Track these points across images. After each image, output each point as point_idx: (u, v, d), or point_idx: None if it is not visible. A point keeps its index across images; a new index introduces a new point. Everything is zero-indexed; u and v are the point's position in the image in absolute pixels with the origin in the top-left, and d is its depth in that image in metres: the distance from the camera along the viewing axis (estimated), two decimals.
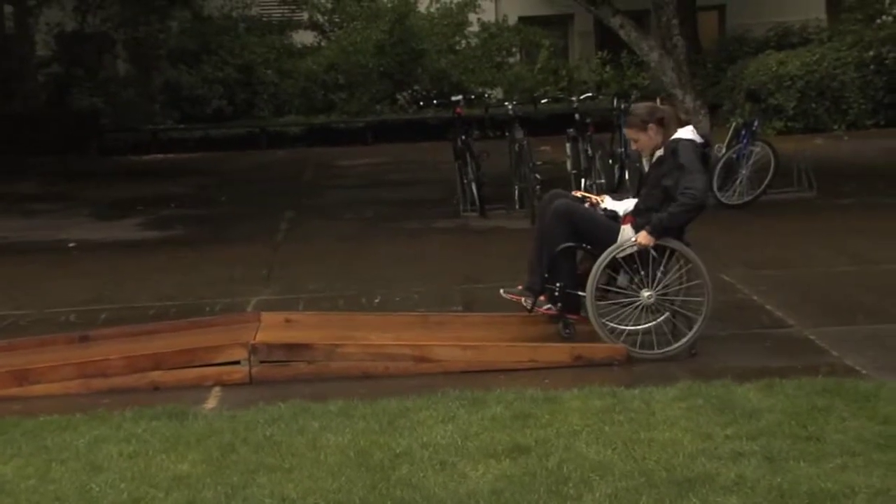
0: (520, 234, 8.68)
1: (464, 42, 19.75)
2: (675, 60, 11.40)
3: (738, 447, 4.14)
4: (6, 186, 14.00)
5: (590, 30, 20.82)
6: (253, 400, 5.02)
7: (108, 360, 5.46)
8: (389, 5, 19.28)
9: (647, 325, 5.62)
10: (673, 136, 5.62)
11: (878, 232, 8.72)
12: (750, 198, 10.37)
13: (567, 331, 5.68)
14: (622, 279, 5.56)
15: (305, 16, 20.26)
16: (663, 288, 5.54)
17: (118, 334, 6.13)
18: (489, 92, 18.43)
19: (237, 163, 16.23)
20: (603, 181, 10.21)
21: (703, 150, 5.62)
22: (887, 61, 15.75)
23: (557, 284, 5.61)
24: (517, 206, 10.49)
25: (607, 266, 5.55)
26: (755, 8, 19.65)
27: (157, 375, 5.39)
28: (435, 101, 15.38)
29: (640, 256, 5.50)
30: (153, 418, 4.76)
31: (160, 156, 17.40)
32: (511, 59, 20.01)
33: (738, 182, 10.40)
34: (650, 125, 5.66)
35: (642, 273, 5.51)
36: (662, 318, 5.64)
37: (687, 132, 5.65)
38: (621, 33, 11.67)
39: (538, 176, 9.68)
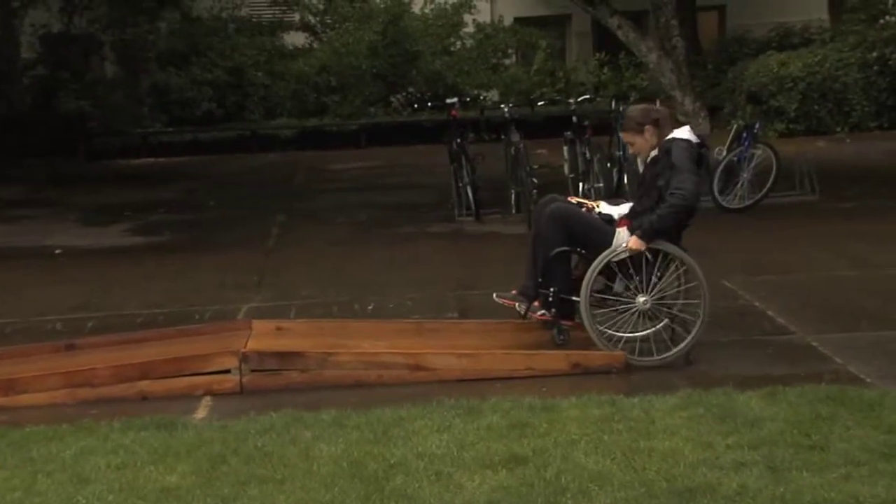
0: (516, 239, 8.68)
1: (459, 43, 19.77)
2: (674, 62, 11.45)
3: (739, 457, 4.14)
4: None
5: (587, 30, 20.86)
6: (244, 410, 5.02)
7: (95, 369, 5.45)
8: (382, 6, 19.31)
9: (644, 333, 5.62)
10: (668, 136, 5.63)
11: (881, 236, 8.73)
12: (751, 201, 10.38)
13: (561, 337, 5.68)
14: (618, 285, 5.57)
15: (297, 17, 20.28)
16: (660, 293, 5.54)
17: (105, 343, 6.12)
18: (485, 94, 18.44)
19: (227, 166, 16.22)
20: (601, 185, 10.21)
21: (698, 151, 5.63)
22: (891, 62, 15.78)
23: (551, 289, 5.62)
24: (513, 211, 10.49)
25: (603, 271, 5.55)
26: (756, 8, 19.69)
27: (145, 385, 5.38)
28: (429, 104, 15.34)
29: (634, 261, 5.50)
30: (141, 429, 4.75)
31: (149, 160, 17.39)
32: (507, 61, 20.03)
33: (739, 185, 10.41)
34: (646, 127, 5.67)
35: (637, 278, 5.51)
36: (661, 324, 5.64)
37: (683, 132, 5.68)
38: (619, 34, 11.72)
39: (535, 180, 9.69)
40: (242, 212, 11.88)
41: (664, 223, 5.46)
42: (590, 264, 5.54)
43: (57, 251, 9.95)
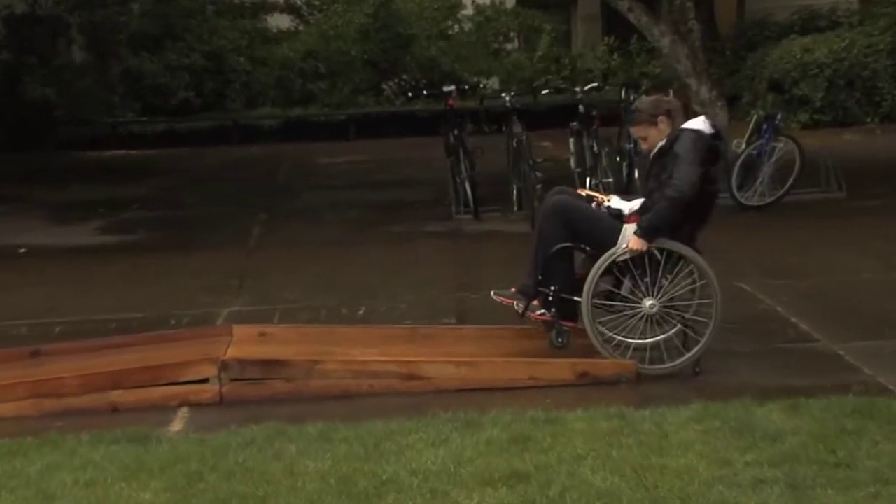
0: (518, 239, 8.68)
1: (456, 27, 19.79)
2: (689, 47, 11.42)
3: (759, 474, 4.15)
4: None
5: (595, 13, 20.87)
6: (223, 422, 5.02)
7: (62, 378, 5.45)
8: None
9: (652, 339, 5.64)
10: (680, 127, 5.66)
11: None
12: (772, 199, 10.39)
13: (560, 339, 5.69)
14: (625, 286, 5.58)
15: None
16: (669, 297, 5.55)
17: (74, 350, 6.12)
18: (484, 82, 18.46)
19: (205, 160, 16.22)
20: (610, 180, 10.22)
21: (711, 143, 5.64)
22: None
23: (551, 288, 5.62)
24: (515, 208, 10.50)
25: (611, 271, 5.56)
26: None
27: (116, 395, 5.38)
28: (424, 92, 15.41)
29: (636, 262, 5.51)
30: (112, 443, 4.75)
31: (121, 152, 17.38)
32: (509, 46, 20.05)
33: (758, 181, 10.42)
34: (659, 118, 5.70)
35: (646, 280, 5.52)
36: (672, 331, 5.65)
37: (696, 122, 5.71)
38: (630, 17, 11.69)
39: (538, 174, 9.69)
40: (222, 209, 11.88)
41: (662, 219, 5.48)
42: (595, 262, 5.55)
43: (21, 250, 9.95)
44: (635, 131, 5.98)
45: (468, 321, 6.70)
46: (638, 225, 5.50)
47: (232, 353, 5.68)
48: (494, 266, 8.09)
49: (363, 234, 10.12)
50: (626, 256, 5.51)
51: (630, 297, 5.57)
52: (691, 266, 5.60)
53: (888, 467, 4.16)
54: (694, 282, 5.64)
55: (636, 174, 10.44)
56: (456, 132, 10.88)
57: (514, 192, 10.62)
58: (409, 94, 17.72)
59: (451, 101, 11.31)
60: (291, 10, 20.31)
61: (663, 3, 14.39)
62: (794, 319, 6.53)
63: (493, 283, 6.10)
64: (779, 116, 10.84)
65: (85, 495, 4.23)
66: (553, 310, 5.66)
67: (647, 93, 10.51)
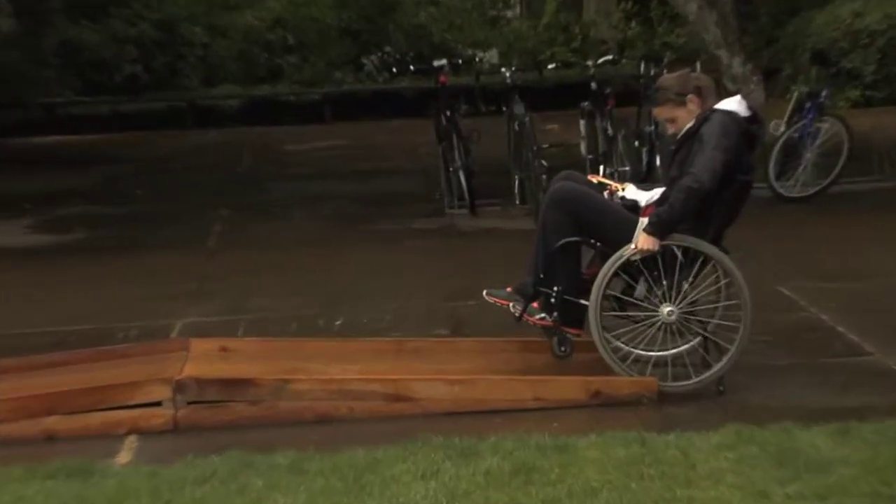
0: (520, 237, 8.68)
1: None
2: (719, 13, 11.46)
3: None
4: None
5: None
6: (179, 452, 5.02)
7: None
8: None
9: (675, 351, 5.65)
10: (712, 107, 5.66)
11: None
12: (816, 189, 10.43)
13: (563, 349, 5.70)
14: (640, 289, 5.59)
15: None
16: (690, 304, 5.57)
17: (3, 369, 6.11)
18: (481, 55, 18.46)
19: (156, 147, 16.21)
20: (627, 168, 10.24)
21: (746, 127, 5.65)
22: None
23: (554, 288, 5.64)
24: (517, 202, 10.52)
25: (624, 271, 5.57)
26: None
27: (53, 422, 5.38)
28: (412, 68, 15.39)
29: (652, 262, 5.51)
30: (48, 477, 4.74)
31: (57, 137, 17.36)
32: (509, 13, 20.08)
33: (800, 169, 10.45)
34: (689, 97, 5.70)
35: (664, 283, 5.54)
36: (694, 341, 5.67)
37: (730, 102, 5.70)
38: None
39: (544, 162, 9.72)
40: (177, 204, 11.88)
41: (675, 214, 5.48)
42: (606, 260, 5.56)
43: None
44: (659, 113, 5.95)
45: (463, 333, 6.72)
46: (648, 220, 5.51)
47: (188, 371, 5.68)
48: (493, 269, 8.09)
49: (341, 233, 10.13)
50: (638, 257, 5.51)
51: (644, 302, 5.58)
52: (717, 268, 5.61)
53: None
54: (719, 286, 5.65)
55: (658, 161, 10.47)
56: (448, 114, 10.89)
57: (516, 183, 10.63)
58: (394, 70, 17.74)
59: (442, 78, 11.31)
60: None
61: None
62: (841, 329, 6.55)
63: (492, 287, 6.10)
64: (824, 93, 10.85)
65: None
66: (555, 314, 5.67)
67: (670, 67, 10.51)
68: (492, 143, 10.97)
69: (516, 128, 10.70)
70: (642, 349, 5.63)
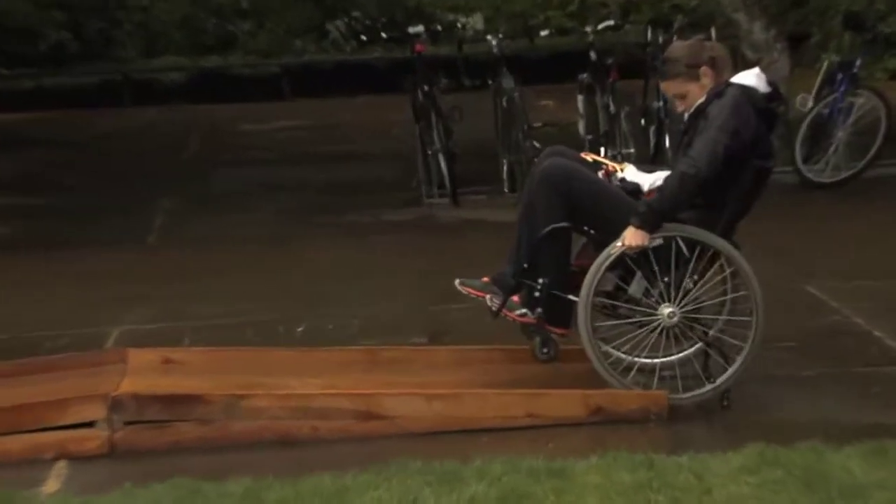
0: (509, 230, 8.59)
1: None
2: None
3: None
4: None
5: None
6: (115, 479, 5.01)
7: None
8: None
9: (672, 357, 5.67)
10: (727, 80, 5.67)
11: None
12: (849, 173, 10.46)
13: (546, 350, 5.72)
14: (636, 286, 5.60)
15: None
16: (694, 304, 5.59)
17: None
18: (464, 21, 18.47)
19: (89, 127, 16.17)
20: (632, 151, 10.26)
21: (765, 105, 5.65)
22: None
23: (539, 281, 5.64)
24: (505, 189, 10.54)
25: (617, 266, 5.57)
26: None
27: None
28: (383, 35, 15.41)
29: (658, 256, 5.51)
30: None
31: None
32: None
33: (831, 150, 10.48)
34: (702, 69, 5.70)
35: (665, 280, 5.54)
36: (695, 347, 5.69)
37: (747, 76, 5.69)
38: None
39: (536, 144, 9.73)
40: (112, 195, 11.85)
41: (664, 204, 5.47)
42: (601, 250, 5.55)
43: None
44: (668, 87, 5.94)
45: (445, 341, 6.73)
46: (635, 211, 5.49)
47: (126, 386, 5.67)
48: (478, 266, 8.03)
49: (303, 227, 10.13)
50: (633, 252, 5.51)
51: (642, 302, 5.59)
52: (727, 264, 5.61)
53: None
54: (726, 287, 5.66)
55: (667, 143, 10.49)
56: (426, 88, 10.90)
57: (504, 167, 10.65)
58: (363, 38, 17.72)
59: (419, 47, 11.32)
60: None
61: None
62: (878, 334, 6.57)
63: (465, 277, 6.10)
64: (858, 63, 10.88)
65: None
66: (539, 310, 5.67)
67: (681, 34, 10.54)
68: (476, 123, 10.98)
69: (504, 104, 10.72)
70: (643, 356, 5.63)
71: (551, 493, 4.63)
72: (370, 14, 18.92)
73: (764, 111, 5.64)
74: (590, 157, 6.00)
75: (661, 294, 5.58)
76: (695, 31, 10.74)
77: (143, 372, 5.97)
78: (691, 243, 5.55)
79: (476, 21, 18.75)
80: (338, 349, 6.47)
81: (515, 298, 5.75)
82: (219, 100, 17.51)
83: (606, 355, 5.64)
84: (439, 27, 15.25)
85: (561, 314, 5.69)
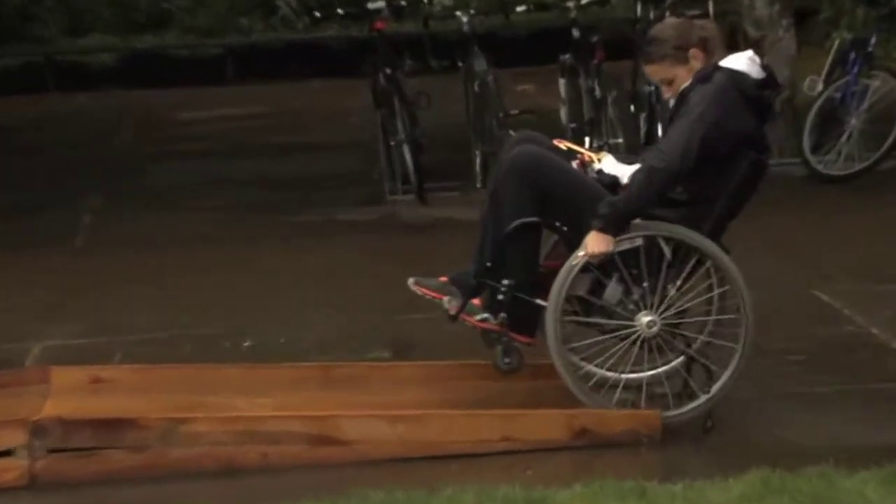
0: None
1: None
2: None
3: None
4: None
5: None
6: None
7: None
8: None
9: (652, 372, 5.69)
10: (715, 64, 5.69)
11: None
12: (863, 164, 10.48)
13: (507, 361, 5.72)
14: (611, 292, 5.61)
15: None
16: (676, 313, 5.61)
17: None
18: None
19: (6, 115, 16.10)
20: (620, 140, 10.27)
21: (757, 93, 5.66)
22: None
23: (504, 282, 5.65)
24: (478, 184, 10.53)
25: (591, 268, 5.57)
26: None
27: None
28: (340, 11, 15.37)
29: (625, 258, 5.53)
30: None
31: None
32: None
33: (844, 139, 10.50)
34: (692, 51, 5.71)
35: (645, 285, 5.56)
36: (677, 361, 5.71)
37: (738, 60, 5.69)
38: None
39: (512, 133, 9.72)
40: (33, 192, 11.81)
41: (630, 203, 5.48)
42: (574, 250, 5.56)
43: None
44: (652, 71, 5.95)
45: (410, 356, 6.74)
46: (595, 212, 5.46)
47: (50, 409, 5.66)
48: (448, 271, 8.12)
49: (250, 228, 10.12)
50: (597, 260, 5.51)
51: (618, 306, 5.60)
52: (713, 268, 5.63)
53: None
54: (712, 295, 5.68)
55: (659, 131, 10.50)
56: (388, 71, 10.89)
57: (477, 159, 10.66)
58: (317, 14, 17.68)
59: (379, 24, 11.32)
60: None
61: None
62: None
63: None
64: (872, 40, 10.90)
65: None
66: (502, 315, 5.68)
67: (674, 9, 10.57)
68: (445, 109, 11.00)
69: (477, 89, 10.73)
70: (627, 371, 5.65)
71: None
72: None
73: (755, 99, 5.65)
74: (564, 145, 5.98)
75: (638, 301, 5.59)
76: (689, 6, 10.80)
77: (69, 393, 5.97)
78: (673, 244, 5.56)
79: None
80: (289, 366, 6.48)
81: (476, 301, 5.76)
82: (154, 84, 17.41)
83: (577, 368, 5.64)
84: (403, 2, 15.26)
85: (527, 320, 5.70)
